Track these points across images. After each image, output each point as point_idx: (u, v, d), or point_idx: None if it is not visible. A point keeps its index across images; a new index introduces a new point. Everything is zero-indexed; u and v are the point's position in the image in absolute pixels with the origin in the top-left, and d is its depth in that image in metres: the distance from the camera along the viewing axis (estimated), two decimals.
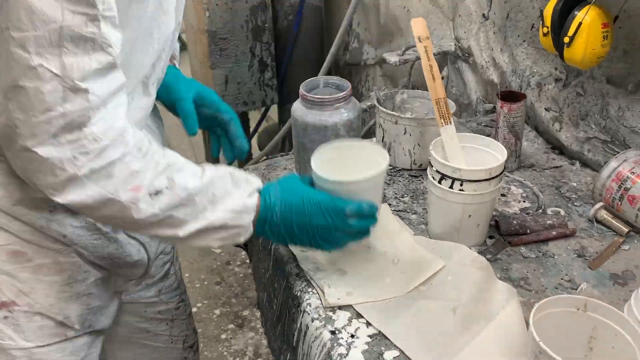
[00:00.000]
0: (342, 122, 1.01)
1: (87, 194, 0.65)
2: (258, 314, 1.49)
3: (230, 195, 0.74)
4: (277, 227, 0.78)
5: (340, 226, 0.79)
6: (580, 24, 0.99)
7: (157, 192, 0.68)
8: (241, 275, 2.16)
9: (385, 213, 1.05)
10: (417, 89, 1.42)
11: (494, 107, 1.46)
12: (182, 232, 0.71)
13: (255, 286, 1.14)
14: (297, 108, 1.05)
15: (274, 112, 2.45)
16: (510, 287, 0.85)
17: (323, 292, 0.86)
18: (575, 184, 1.16)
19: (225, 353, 1.84)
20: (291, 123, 1.09)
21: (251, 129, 2.47)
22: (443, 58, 1.65)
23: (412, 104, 1.29)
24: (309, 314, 0.85)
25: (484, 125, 1.40)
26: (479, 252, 0.95)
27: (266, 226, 0.78)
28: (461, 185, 0.90)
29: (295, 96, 1.06)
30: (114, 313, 0.92)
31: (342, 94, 1.01)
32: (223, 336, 1.91)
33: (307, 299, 0.87)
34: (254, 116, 2.47)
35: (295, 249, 0.95)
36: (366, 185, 0.83)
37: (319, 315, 0.84)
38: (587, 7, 0.99)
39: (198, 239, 0.73)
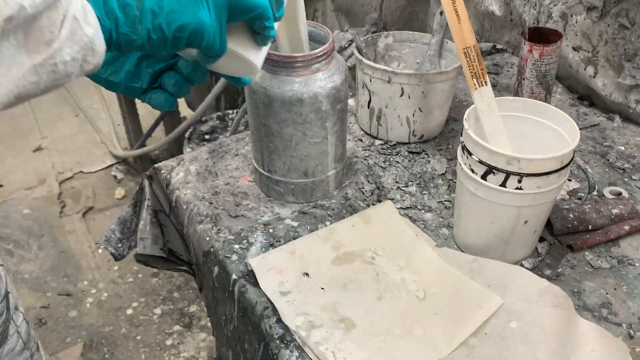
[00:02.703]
0: (326, 92, 0.67)
1: None
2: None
3: None
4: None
5: None
6: None
7: None
8: None
9: (389, 212, 0.74)
10: (396, 29, 1.08)
11: (494, 47, 1.15)
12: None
13: (213, 330, 0.81)
14: None
15: None
16: (608, 334, 0.57)
17: None
18: (622, 148, 0.89)
19: None
20: (245, 93, 0.74)
21: None
22: None
23: (399, 51, 0.95)
24: None
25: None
26: (532, 269, 0.67)
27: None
28: (519, 181, 0.60)
29: None
30: None
31: (322, 48, 0.66)
32: (168, 342, 1.58)
33: None
34: None
35: (274, 292, 0.62)
36: None
37: None
38: None
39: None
